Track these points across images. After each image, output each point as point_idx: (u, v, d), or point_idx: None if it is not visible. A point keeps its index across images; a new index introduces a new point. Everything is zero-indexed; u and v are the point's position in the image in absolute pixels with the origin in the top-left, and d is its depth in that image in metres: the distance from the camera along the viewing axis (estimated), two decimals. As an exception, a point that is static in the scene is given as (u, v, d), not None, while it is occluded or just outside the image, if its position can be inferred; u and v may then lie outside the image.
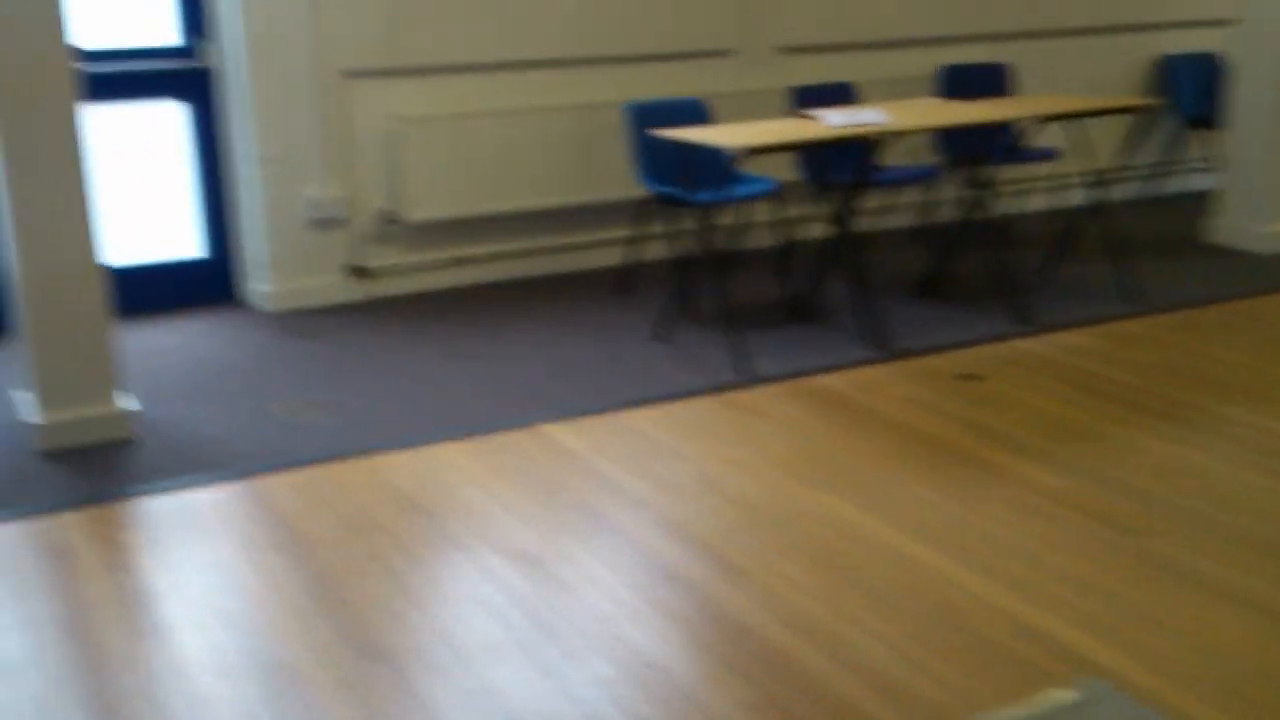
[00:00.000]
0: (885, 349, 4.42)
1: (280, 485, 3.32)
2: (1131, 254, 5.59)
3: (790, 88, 5.23)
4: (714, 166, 4.95)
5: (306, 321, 4.80)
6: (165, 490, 3.30)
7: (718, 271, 4.37)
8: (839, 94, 5.34)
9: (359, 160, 4.98)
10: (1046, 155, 5.38)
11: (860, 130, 4.22)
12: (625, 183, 5.40)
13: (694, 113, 5.05)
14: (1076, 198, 6.49)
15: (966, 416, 3.81)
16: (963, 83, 5.76)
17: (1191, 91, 6.68)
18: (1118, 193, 6.77)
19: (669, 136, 4.28)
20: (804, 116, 4.57)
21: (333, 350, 4.46)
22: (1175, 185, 6.91)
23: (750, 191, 4.79)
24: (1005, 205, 4.78)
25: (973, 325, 4.69)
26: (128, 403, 3.68)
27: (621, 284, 5.17)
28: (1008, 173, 6.17)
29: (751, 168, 5.18)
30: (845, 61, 5.84)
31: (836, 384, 4.12)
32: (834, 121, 4.35)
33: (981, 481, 3.35)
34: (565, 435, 3.67)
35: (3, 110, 3.32)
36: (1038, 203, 6.34)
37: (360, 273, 5.05)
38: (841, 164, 5.04)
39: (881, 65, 5.93)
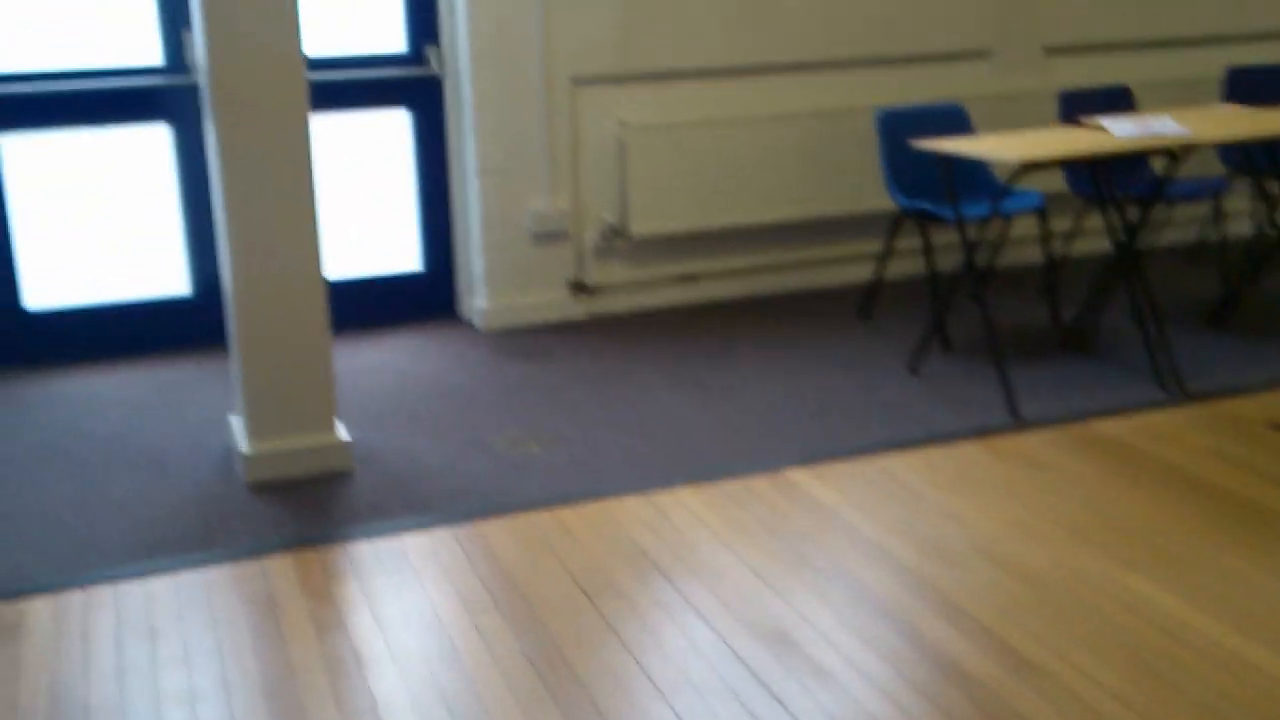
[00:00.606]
0: (1177, 389, 3.84)
1: (502, 531, 3.02)
2: None
3: (1060, 92, 4.67)
4: (976, 179, 4.45)
5: (525, 340, 4.54)
6: (380, 534, 3.04)
7: (979, 295, 3.87)
8: (1114, 100, 4.74)
9: (585, 171, 4.69)
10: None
11: (1156, 143, 3.66)
12: (868, 194, 4.95)
13: (953, 120, 4.55)
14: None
15: (1288, 478, 3.23)
16: (1253, 87, 5.07)
17: None
18: None
19: (933, 148, 3.82)
20: (1084, 125, 4.02)
21: (553, 374, 4.17)
22: None
23: (1018, 206, 4.27)
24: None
25: (1274, 363, 4.05)
26: (341, 431, 3.47)
27: (867, 305, 4.72)
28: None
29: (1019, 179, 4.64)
30: (1118, 62, 5.23)
31: (1123, 431, 3.58)
32: (1123, 132, 3.80)
33: (1323, 564, 2.78)
34: (814, 483, 3.26)
35: (227, 117, 3.13)
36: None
37: (582, 289, 4.77)
38: (1122, 176, 4.46)
39: (1159, 67, 5.29)
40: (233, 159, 3.16)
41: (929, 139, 4.31)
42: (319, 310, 3.33)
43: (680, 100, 4.73)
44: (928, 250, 4.32)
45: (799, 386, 4.00)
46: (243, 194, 3.19)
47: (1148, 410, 3.72)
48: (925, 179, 4.47)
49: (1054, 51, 5.14)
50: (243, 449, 3.34)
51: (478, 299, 4.68)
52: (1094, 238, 5.19)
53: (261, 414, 3.34)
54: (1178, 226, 5.52)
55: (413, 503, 3.20)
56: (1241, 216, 5.38)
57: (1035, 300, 4.80)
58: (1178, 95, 5.15)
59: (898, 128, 4.47)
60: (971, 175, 4.45)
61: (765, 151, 4.79)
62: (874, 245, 5.10)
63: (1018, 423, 3.64)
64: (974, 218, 4.09)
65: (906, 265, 5.07)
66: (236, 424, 3.51)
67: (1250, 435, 3.52)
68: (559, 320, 4.74)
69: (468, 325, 4.73)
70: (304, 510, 3.18)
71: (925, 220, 4.29)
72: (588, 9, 4.50)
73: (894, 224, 4.49)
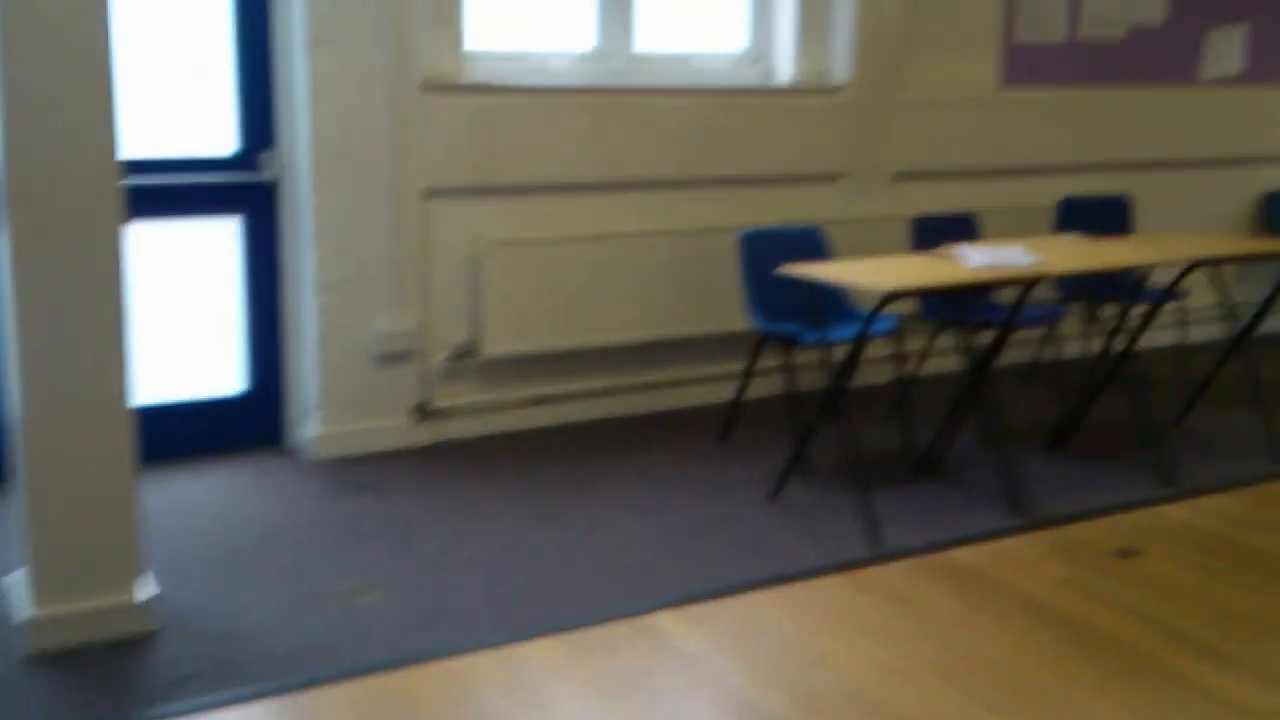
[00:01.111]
0: (1026, 515, 3.83)
1: (337, 701, 2.73)
2: (1271, 400, 4.99)
3: (913, 218, 4.71)
4: (835, 302, 4.41)
5: (364, 471, 4.25)
6: (191, 712, 2.69)
7: (843, 420, 3.80)
8: (961, 225, 4.82)
9: (436, 288, 4.48)
10: (1174, 296, 4.75)
11: (1012, 274, 3.68)
12: (727, 315, 4.88)
13: (812, 243, 4.54)
14: (1203, 333, 5.90)
15: (1135, 605, 3.21)
16: (1084, 215, 5.24)
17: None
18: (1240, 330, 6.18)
19: (802, 274, 3.75)
20: (939, 253, 4.04)
21: (395, 509, 3.91)
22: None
23: (877, 330, 4.24)
24: (1127, 342, 4.26)
25: (1113, 486, 4.10)
26: (147, 587, 3.05)
27: (724, 427, 4.61)
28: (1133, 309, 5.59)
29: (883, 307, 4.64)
30: (960, 189, 5.34)
31: (980, 560, 3.52)
32: (976, 261, 3.81)
33: (1176, 699, 2.75)
34: (680, 629, 3.08)
35: (25, 221, 2.78)
36: (1163, 338, 5.75)
37: (427, 412, 4.52)
38: (973, 302, 4.50)
39: (998, 194, 5.42)
40: (29, 269, 2.78)
41: (792, 262, 4.27)
42: (124, 442, 2.94)
43: (538, 215, 4.59)
44: (789, 374, 4.25)
45: (661, 518, 3.83)
46: (39, 308, 2.81)
47: (1002, 537, 3.69)
48: (786, 302, 4.42)
49: (901, 177, 5.21)
50: (24, 613, 2.92)
51: (310, 425, 4.39)
52: (940, 358, 5.22)
53: (50, 568, 2.89)
54: (1012, 349, 5.62)
55: (231, 671, 2.86)
56: (1073, 339, 5.51)
57: (886, 422, 4.78)
58: (1017, 221, 5.27)
59: (759, 250, 4.43)
60: (832, 299, 4.41)
61: (624, 270, 4.68)
62: (732, 366, 5.02)
63: (879, 553, 3.55)
64: (838, 341, 4.04)
65: (762, 386, 4.99)
66: (17, 582, 3.06)
67: (1099, 563, 3.51)
68: (401, 447, 4.48)
69: (298, 455, 4.41)
70: (97, 687, 2.78)
71: (787, 343, 4.23)
72: (442, 117, 4.35)
73: (756, 347, 4.42)
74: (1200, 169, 5.94)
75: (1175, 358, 5.67)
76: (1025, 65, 5.41)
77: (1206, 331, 5.86)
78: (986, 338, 4.17)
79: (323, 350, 4.31)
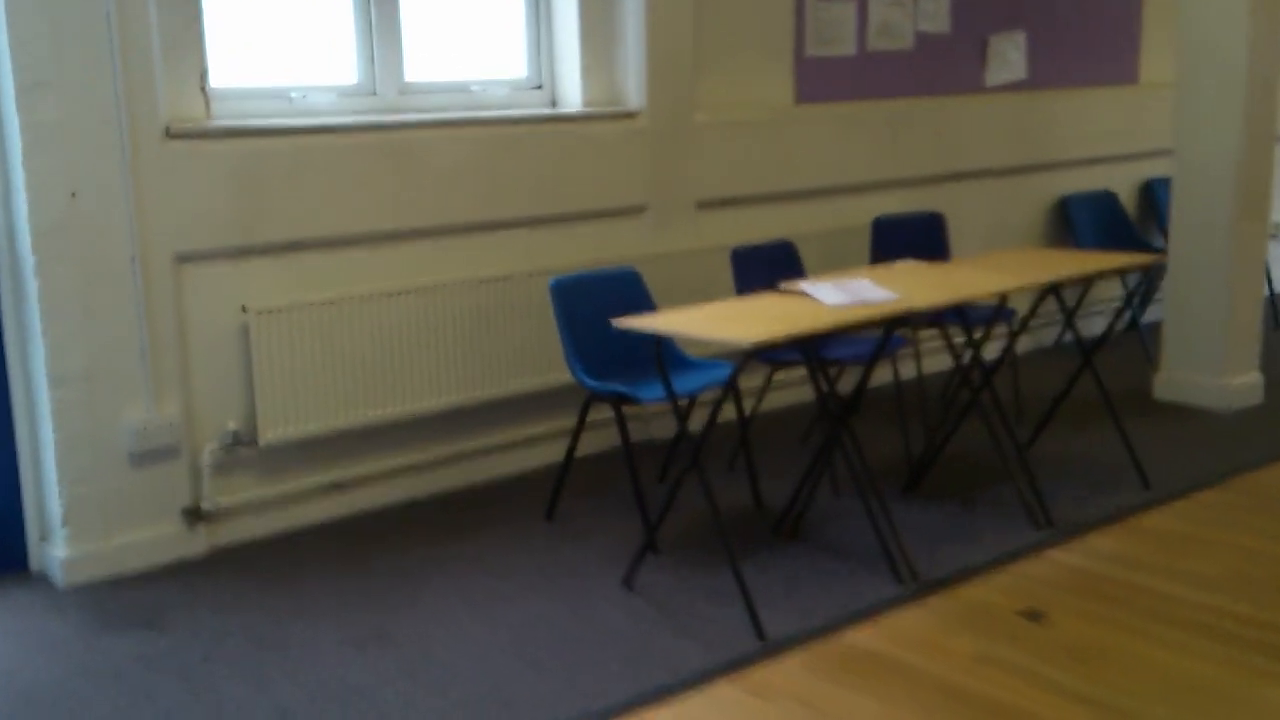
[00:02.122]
0: (911, 578, 3.49)
1: None
2: (1125, 415, 4.90)
3: (731, 249, 4.33)
4: (667, 351, 3.96)
5: (129, 596, 3.48)
6: None
7: (705, 484, 3.35)
8: (782, 255, 4.48)
9: (198, 369, 3.75)
10: (1005, 315, 4.57)
11: (875, 313, 3.34)
12: (536, 369, 4.36)
13: (629, 286, 4.08)
14: (1024, 344, 5.82)
15: (1066, 684, 2.91)
16: (898, 234, 5.02)
17: (1091, 230, 6.20)
18: (1033, 341, 6.18)
19: (647, 328, 3.28)
20: (787, 291, 3.66)
21: (176, 645, 3.17)
22: (1094, 326, 6.37)
23: (714, 379, 3.83)
24: (976, 367, 4.05)
25: (989, 531, 3.83)
26: None
27: (552, 500, 4.07)
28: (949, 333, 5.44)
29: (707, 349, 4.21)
30: (767, 215, 5.01)
31: (880, 642, 3.15)
32: (833, 300, 3.45)
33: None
34: (569, 782, 2.54)
35: None
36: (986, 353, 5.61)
37: (200, 515, 3.78)
38: (827, 341, 4.15)
39: (807, 217, 5.13)
40: None
41: (610, 308, 3.81)
42: None
43: (312, 275, 3.93)
44: (624, 438, 3.76)
45: (506, 622, 3.27)
46: None
47: (892, 609, 3.32)
48: (609, 353, 3.94)
49: (705, 205, 4.83)
50: None
51: (56, 547, 3.57)
52: (774, 393, 4.87)
53: None
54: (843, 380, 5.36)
55: None
56: (904, 365, 5.29)
57: (728, 475, 4.37)
58: (831, 244, 5.00)
59: (573, 298, 3.93)
60: (666, 347, 3.95)
61: (417, 329, 4.08)
62: (546, 425, 4.49)
63: (768, 646, 3.12)
64: (683, 396, 3.58)
65: (592, 442, 4.50)
66: None
67: (1007, 630, 3.20)
68: (174, 561, 3.72)
69: (45, 583, 3.59)
70: None
71: (619, 402, 3.74)
72: (190, 168, 3.63)
73: (583, 408, 3.91)
74: (996, 178, 5.86)
75: (1006, 373, 5.53)
76: (818, 80, 5.15)
77: (1027, 342, 5.80)
78: (833, 373, 3.83)
79: (63, 455, 3.51)
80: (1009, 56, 5.82)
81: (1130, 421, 4.81)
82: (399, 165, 4.03)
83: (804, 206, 5.12)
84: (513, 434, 4.43)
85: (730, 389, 3.38)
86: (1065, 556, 3.65)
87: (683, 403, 3.60)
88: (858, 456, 3.62)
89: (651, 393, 3.73)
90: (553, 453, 4.49)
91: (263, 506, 3.91)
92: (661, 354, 3.32)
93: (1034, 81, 5.97)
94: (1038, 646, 3.10)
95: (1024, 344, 5.95)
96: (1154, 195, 6.58)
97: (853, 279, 3.73)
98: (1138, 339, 6.12)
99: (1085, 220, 6.21)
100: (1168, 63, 6.59)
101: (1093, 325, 6.29)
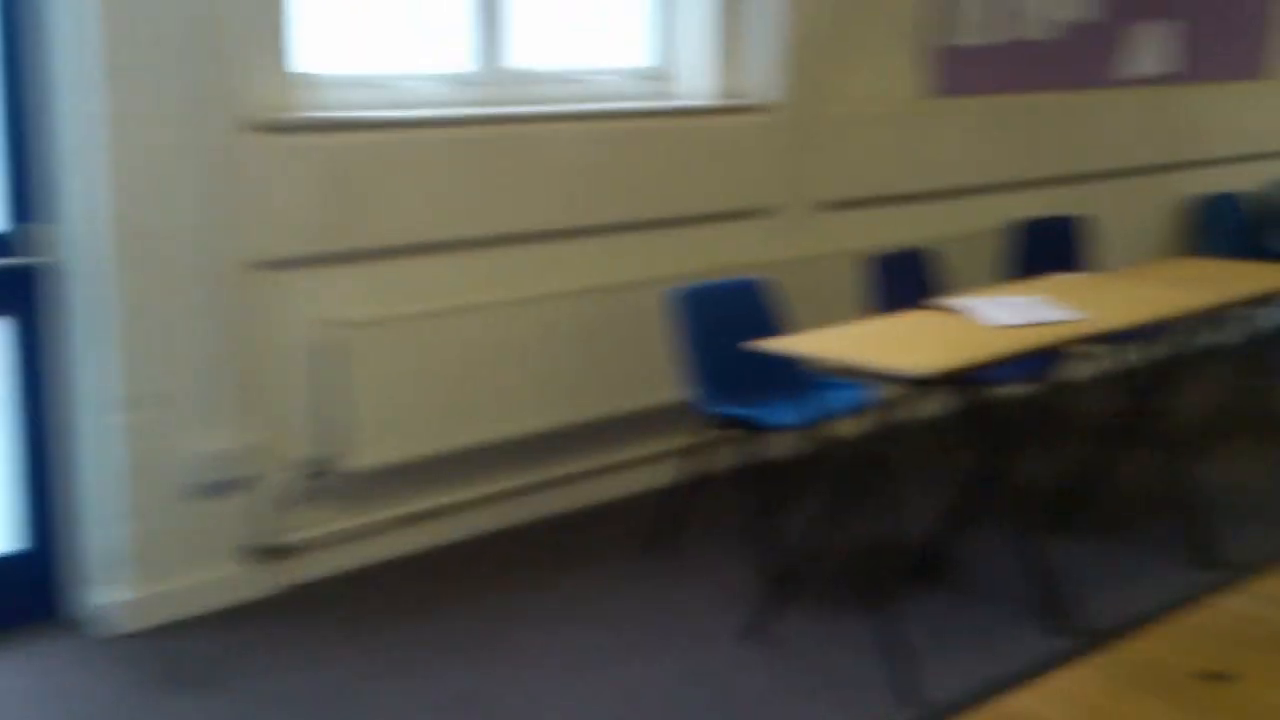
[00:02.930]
0: (1070, 629, 3.04)
1: None
2: (1236, 438, 4.41)
3: (871, 256, 3.88)
4: (783, 368, 3.53)
5: (189, 648, 3.09)
6: None
7: (840, 523, 2.92)
8: (918, 261, 4.03)
9: (275, 390, 3.37)
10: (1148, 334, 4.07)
11: (1059, 336, 2.89)
12: (647, 387, 3.93)
13: (757, 298, 3.65)
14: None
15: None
16: (1037, 239, 4.55)
17: (1220, 235, 5.70)
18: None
19: (784, 351, 2.85)
20: (938, 309, 3.22)
21: (234, 710, 2.79)
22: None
23: (850, 403, 3.40)
24: (1153, 392, 3.61)
25: (1148, 571, 3.39)
26: None
27: (663, 531, 3.66)
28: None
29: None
30: (895, 216, 4.56)
31: (1045, 707, 2.72)
32: (1002, 320, 3.00)
33: None
34: None
35: None
36: (1083, 371, 5.12)
37: (274, 552, 3.41)
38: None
39: (936, 220, 4.67)
40: None
41: (736, 322, 3.41)
42: None
43: (408, 284, 3.54)
44: (747, 466, 3.34)
45: (606, 686, 2.85)
46: None
47: (1057, 668, 2.89)
48: (729, 371, 3.52)
49: (830, 206, 4.39)
50: None
51: (105, 589, 3.17)
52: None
53: None
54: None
55: None
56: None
57: (857, 508, 3.93)
58: (967, 249, 4.54)
59: (696, 311, 3.51)
60: (776, 364, 3.52)
61: (519, 345, 3.67)
62: (650, 447, 4.07)
63: (919, 712, 2.69)
64: (819, 422, 3.16)
65: (707, 465, 4.08)
66: None
67: (1189, 696, 2.75)
68: (241, 603, 3.34)
69: (86, 633, 3.18)
70: None
71: (747, 428, 3.32)
72: (276, 164, 3.25)
73: (705, 435, 3.48)
74: (1126, 178, 5.37)
75: (1117, 393, 5.03)
76: (955, 71, 4.69)
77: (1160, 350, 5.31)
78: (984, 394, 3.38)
79: (121, 485, 3.14)
80: (1157, 46, 5.32)
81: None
82: (505, 162, 3.63)
83: (930, 208, 4.67)
84: (614, 456, 4.02)
85: (864, 415, 2.95)
86: (1239, 604, 3.19)
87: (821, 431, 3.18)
88: (1013, 491, 3.17)
89: (779, 418, 3.31)
90: (653, 477, 4.08)
91: (342, 540, 3.53)
92: (800, 378, 2.89)
93: (1178, 75, 5.47)
94: (1227, 715, 2.65)
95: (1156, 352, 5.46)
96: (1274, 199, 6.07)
97: (1023, 297, 3.27)
98: (1261, 349, 5.63)
99: (1218, 224, 5.71)
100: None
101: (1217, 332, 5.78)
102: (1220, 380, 4.89)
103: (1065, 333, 2.88)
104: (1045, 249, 4.48)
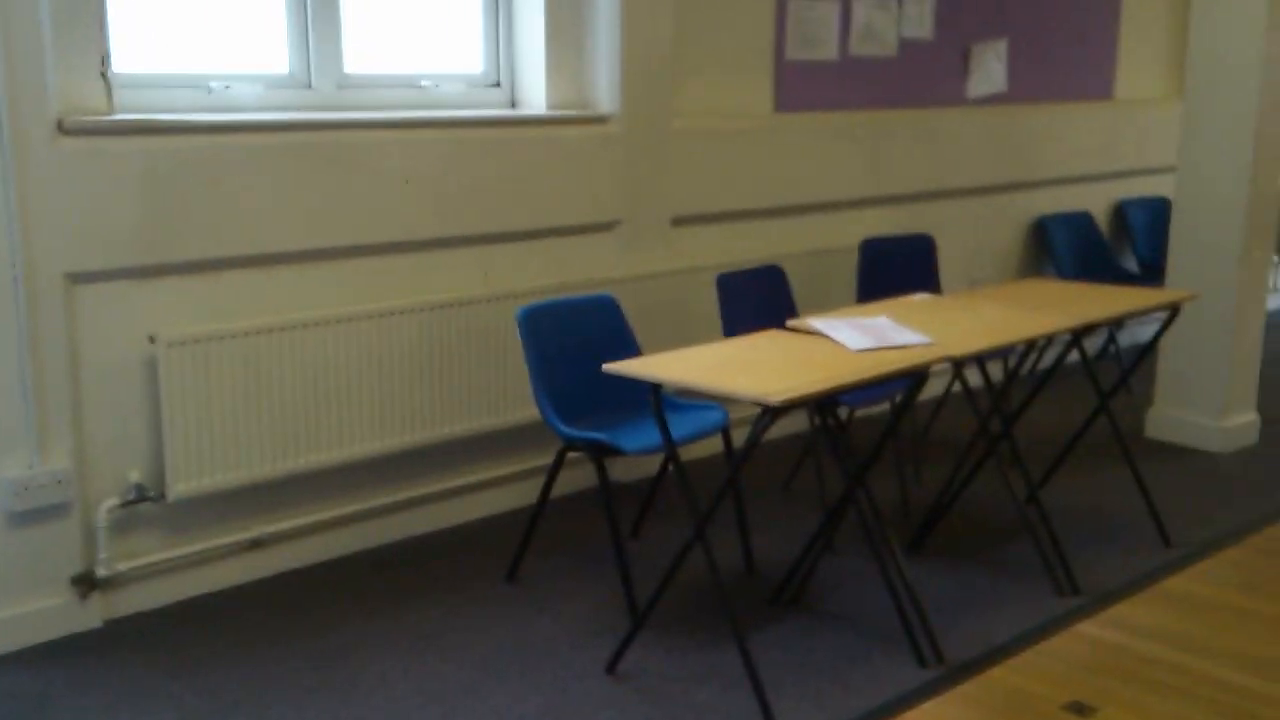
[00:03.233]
0: (936, 659, 3.03)
1: None
2: (1088, 459, 4.52)
3: (720, 275, 3.82)
4: (638, 390, 3.44)
5: (11, 682, 2.86)
6: None
7: (707, 553, 2.85)
8: (769, 279, 3.99)
9: (92, 412, 3.13)
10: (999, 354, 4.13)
11: (909, 361, 2.86)
12: (499, 405, 3.81)
13: (607, 316, 3.56)
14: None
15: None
16: (888, 257, 4.57)
17: (1069, 253, 5.85)
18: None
19: (637, 374, 2.76)
20: (797, 330, 3.17)
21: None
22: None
23: (707, 426, 3.34)
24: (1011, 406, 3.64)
25: (1007, 598, 3.39)
26: None
27: (521, 556, 3.52)
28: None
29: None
30: (747, 232, 4.53)
31: (910, 743, 2.69)
32: (854, 344, 2.97)
33: None
34: None
35: None
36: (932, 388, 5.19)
37: (96, 583, 3.17)
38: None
39: (785, 236, 4.66)
40: None
41: (588, 341, 3.31)
42: None
43: (234, 299, 3.33)
44: (605, 492, 3.23)
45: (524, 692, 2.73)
46: None
47: (921, 699, 2.86)
48: (583, 392, 3.42)
49: (680, 221, 4.33)
50: None
51: (-85, 626, 2.93)
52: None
53: None
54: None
55: None
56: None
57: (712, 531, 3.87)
58: (813, 268, 4.54)
59: (545, 328, 3.39)
60: (631, 383, 3.44)
61: (356, 362, 3.50)
62: (503, 468, 3.95)
63: (788, 752, 2.64)
64: (678, 445, 3.06)
65: (529, 492, 3.96)
66: None
67: (1054, 726, 2.76)
68: (63, 636, 3.10)
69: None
70: None
71: (600, 453, 3.22)
72: (89, 169, 3.02)
73: (557, 460, 3.37)
74: (977, 196, 5.46)
75: (968, 414, 5.10)
76: (799, 86, 4.68)
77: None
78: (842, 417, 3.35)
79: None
80: (990, 67, 5.42)
81: (1116, 463, 4.46)
82: (336, 171, 3.45)
83: (784, 224, 4.65)
84: (464, 478, 3.88)
85: (726, 440, 2.88)
86: (1100, 632, 3.22)
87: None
88: (874, 516, 3.14)
89: (636, 442, 3.22)
90: (510, 498, 3.97)
91: (168, 570, 3.31)
92: (658, 403, 2.81)
93: (1014, 95, 5.58)
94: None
95: (996, 371, 5.56)
96: (1127, 218, 6.26)
97: (870, 317, 3.25)
98: (1116, 366, 5.80)
99: (1064, 243, 5.85)
100: (1144, 78, 6.30)
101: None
102: (1073, 400, 5.00)
103: (916, 358, 2.86)
104: (896, 266, 4.50)
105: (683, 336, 3.75)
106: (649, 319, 3.99)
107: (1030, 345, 3.48)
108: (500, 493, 3.96)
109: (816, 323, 3.15)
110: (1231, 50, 4.45)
